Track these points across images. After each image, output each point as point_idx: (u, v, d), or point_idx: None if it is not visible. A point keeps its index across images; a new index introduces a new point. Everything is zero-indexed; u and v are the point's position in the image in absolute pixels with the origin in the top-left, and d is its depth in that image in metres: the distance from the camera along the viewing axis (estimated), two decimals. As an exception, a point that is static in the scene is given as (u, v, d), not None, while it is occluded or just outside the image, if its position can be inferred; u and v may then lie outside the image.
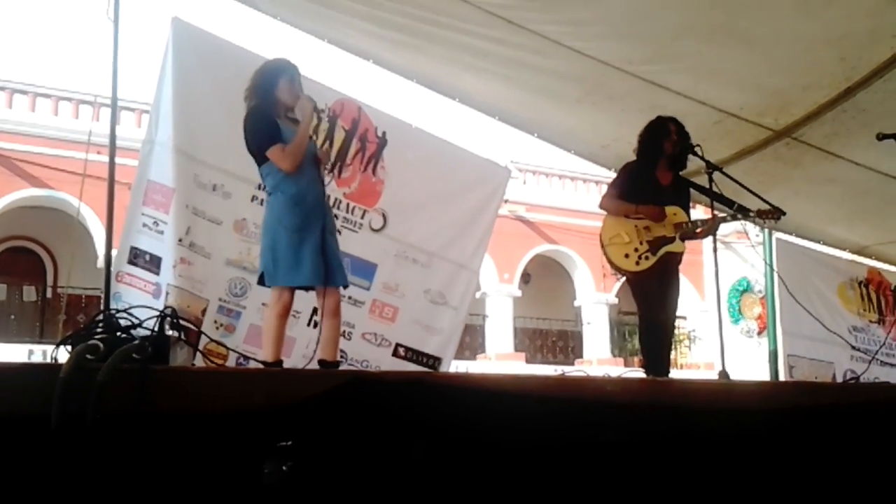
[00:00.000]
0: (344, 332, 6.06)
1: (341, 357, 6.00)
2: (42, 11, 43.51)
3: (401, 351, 6.40)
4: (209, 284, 5.62)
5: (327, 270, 4.23)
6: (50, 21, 44.36)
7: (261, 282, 4.41)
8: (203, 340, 5.03)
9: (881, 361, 7.85)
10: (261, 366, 4.34)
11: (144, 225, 5.52)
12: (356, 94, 6.34)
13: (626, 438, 2.95)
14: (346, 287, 4.55)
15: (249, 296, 5.71)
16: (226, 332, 5.65)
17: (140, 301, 5.00)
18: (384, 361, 6.26)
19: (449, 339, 6.66)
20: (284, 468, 2.42)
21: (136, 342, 2.52)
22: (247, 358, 5.27)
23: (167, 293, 5.42)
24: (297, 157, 4.27)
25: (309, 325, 5.71)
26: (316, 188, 4.37)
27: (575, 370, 10.23)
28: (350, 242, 6.13)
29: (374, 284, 6.28)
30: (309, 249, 4.20)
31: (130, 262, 5.49)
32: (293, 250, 4.22)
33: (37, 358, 14.90)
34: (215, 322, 5.64)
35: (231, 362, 5.21)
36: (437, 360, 6.53)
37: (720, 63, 5.50)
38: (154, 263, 5.49)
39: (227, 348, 5.31)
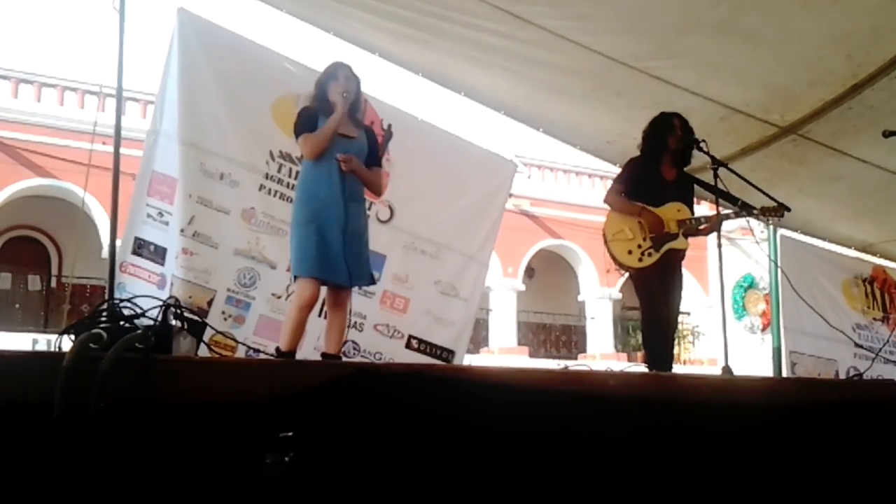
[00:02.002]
0: (356, 323, 6.10)
1: (354, 349, 6.05)
2: (48, 1, 43.53)
3: (414, 343, 6.41)
4: (216, 275, 5.61)
5: (334, 266, 4.26)
6: (56, 11, 44.40)
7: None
8: (210, 331, 5.03)
9: (885, 359, 7.84)
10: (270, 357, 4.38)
11: (149, 216, 5.51)
12: (362, 86, 6.32)
13: (628, 433, 2.96)
14: (350, 287, 4.51)
15: (259, 286, 5.70)
16: (235, 323, 5.64)
17: (145, 291, 5.01)
18: (398, 353, 6.27)
19: (461, 332, 6.67)
20: (286, 459, 2.42)
21: (139, 332, 2.52)
22: (257, 351, 5.27)
23: (172, 284, 5.43)
24: (317, 146, 4.34)
25: (320, 316, 5.73)
26: (334, 185, 4.35)
27: (578, 365, 10.25)
28: (361, 234, 6.16)
29: (384, 275, 6.28)
30: (314, 242, 4.24)
31: (134, 253, 5.49)
32: (301, 242, 4.30)
33: (41, 347, 14.91)
34: (223, 313, 5.62)
35: (241, 355, 5.21)
36: (451, 352, 6.54)
37: (726, 59, 5.49)
38: (159, 254, 5.49)
39: (236, 341, 5.31)
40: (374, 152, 4.66)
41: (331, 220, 4.28)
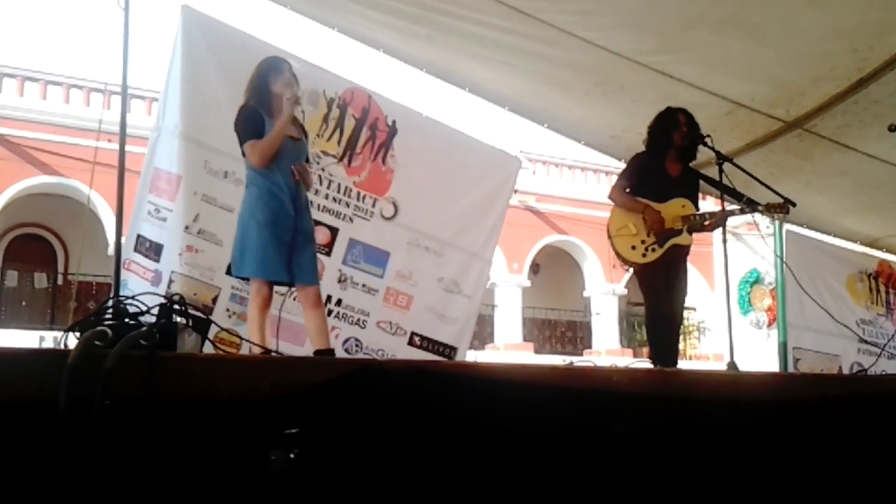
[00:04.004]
0: (359, 320, 6.13)
1: (357, 345, 6.07)
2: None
3: (416, 340, 6.42)
4: (221, 272, 5.60)
5: (295, 268, 4.33)
6: (61, 9, 44.45)
7: (228, 271, 4.59)
8: (214, 328, 5.03)
9: (890, 354, 7.82)
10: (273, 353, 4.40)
11: (149, 213, 5.53)
12: (366, 83, 6.34)
13: (632, 429, 2.95)
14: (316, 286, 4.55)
15: None
16: (239, 320, 5.64)
17: (141, 288, 5.03)
18: (400, 350, 6.28)
19: (464, 328, 6.67)
20: (291, 455, 2.43)
21: (144, 329, 2.53)
22: (261, 348, 5.28)
23: (171, 280, 5.44)
24: (265, 155, 4.33)
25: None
26: (289, 189, 4.38)
27: (583, 361, 10.23)
28: (362, 230, 6.16)
29: (388, 272, 6.30)
30: (276, 245, 4.29)
31: (136, 250, 5.51)
32: (261, 244, 4.31)
33: (48, 344, 14.96)
34: (228, 310, 5.64)
35: (245, 352, 5.21)
36: (453, 349, 6.54)
37: (731, 54, 5.48)
38: (154, 251, 5.51)
39: (241, 338, 5.32)
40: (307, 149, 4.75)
41: (288, 223, 4.33)
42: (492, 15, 5.30)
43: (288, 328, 5.18)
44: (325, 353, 4.36)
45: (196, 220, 5.56)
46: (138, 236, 5.52)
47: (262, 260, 4.30)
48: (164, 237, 5.53)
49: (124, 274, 5.38)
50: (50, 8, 43.13)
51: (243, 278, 4.65)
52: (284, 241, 4.31)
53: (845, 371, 8.03)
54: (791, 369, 7.75)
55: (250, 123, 4.39)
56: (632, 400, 3.05)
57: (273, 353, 4.33)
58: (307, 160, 4.71)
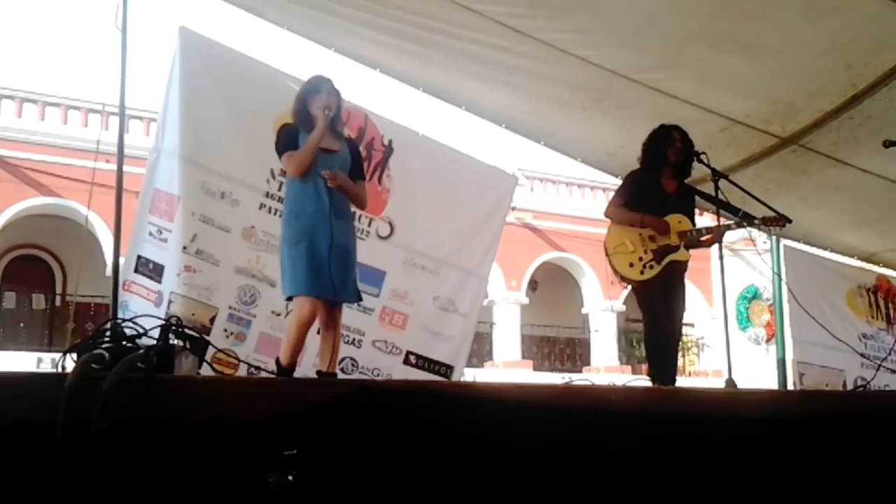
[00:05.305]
0: (354, 339, 6.09)
1: (352, 365, 6.04)
2: (51, 21, 43.73)
3: (412, 359, 6.39)
4: (218, 292, 5.62)
5: (322, 283, 4.23)
6: (58, 30, 44.60)
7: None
8: (212, 349, 5.02)
9: (891, 370, 7.81)
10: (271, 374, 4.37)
11: (150, 234, 5.53)
12: (362, 102, 6.35)
13: (630, 447, 2.95)
14: (341, 303, 4.43)
15: (259, 304, 5.71)
16: (236, 340, 5.65)
17: (143, 310, 5.01)
18: (395, 369, 6.26)
19: (460, 347, 6.65)
20: (290, 477, 2.42)
21: (141, 351, 2.53)
22: (258, 369, 5.26)
23: (170, 301, 5.43)
24: (301, 164, 4.30)
25: (320, 333, 5.75)
26: (321, 201, 4.32)
27: (582, 378, 10.21)
28: (358, 250, 6.14)
29: (383, 292, 6.28)
30: (305, 260, 4.23)
31: (136, 271, 5.50)
32: (293, 262, 4.27)
33: (46, 366, 14.93)
34: (225, 330, 5.64)
35: (242, 372, 5.20)
36: (450, 367, 6.52)
37: (726, 70, 5.50)
38: (156, 272, 5.50)
39: (238, 359, 5.31)
40: (357, 164, 4.62)
41: (320, 237, 4.25)
42: (488, 34, 5.32)
43: (278, 345, 5.17)
44: (327, 377, 4.31)
45: (194, 241, 5.56)
46: (139, 257, 5.52)
47: (294, 277, 4.26)
48: (165, 258, 5.53)
49: (125, 295, 5.38)
50: (47, 29, 43.30)
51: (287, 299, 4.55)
52: (320, 254, 4.23)
53: (849, 385, 8.02)
54: (796, 384, 7.74)
55: (286, 139, 4.41)
56: (630, 418, 3.05)
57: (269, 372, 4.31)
58: (357, 172, 4.60)
